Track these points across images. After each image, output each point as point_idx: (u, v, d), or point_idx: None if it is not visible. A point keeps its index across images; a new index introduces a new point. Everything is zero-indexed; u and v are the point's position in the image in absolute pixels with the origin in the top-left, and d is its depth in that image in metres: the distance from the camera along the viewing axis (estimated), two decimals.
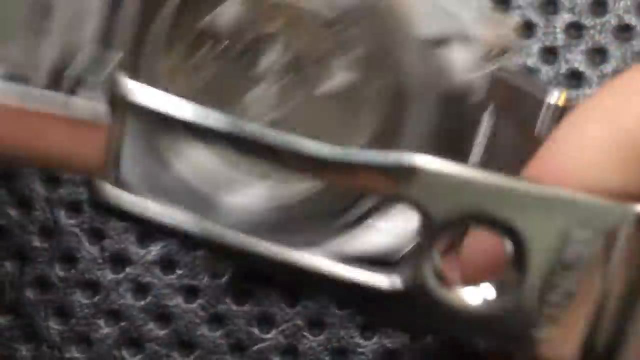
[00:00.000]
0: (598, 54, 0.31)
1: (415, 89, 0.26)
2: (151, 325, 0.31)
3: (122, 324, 0.31)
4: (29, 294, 0.31)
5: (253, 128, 0.20)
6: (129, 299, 0.31)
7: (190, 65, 0.28)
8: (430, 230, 0.20)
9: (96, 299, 0.31)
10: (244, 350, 0.31)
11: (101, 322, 0.31)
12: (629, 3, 0.31)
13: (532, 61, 0.31)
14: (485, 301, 0.20)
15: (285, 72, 0.27)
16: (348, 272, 0.20)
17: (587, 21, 0.31)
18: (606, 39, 0.31)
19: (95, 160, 0.21)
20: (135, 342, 0.31)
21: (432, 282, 0.20)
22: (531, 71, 0.31)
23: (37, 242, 0.31)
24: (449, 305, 0.20)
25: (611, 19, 0.31)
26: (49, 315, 0.31)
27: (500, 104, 0.26)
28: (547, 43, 0.31)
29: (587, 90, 0.31)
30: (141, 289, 0.31)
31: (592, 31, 0.31)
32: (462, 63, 0.26)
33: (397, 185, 0.20)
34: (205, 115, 0.20)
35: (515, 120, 0.26)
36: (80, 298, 0.31)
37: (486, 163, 0.26)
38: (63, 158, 0.21)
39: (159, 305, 0.31)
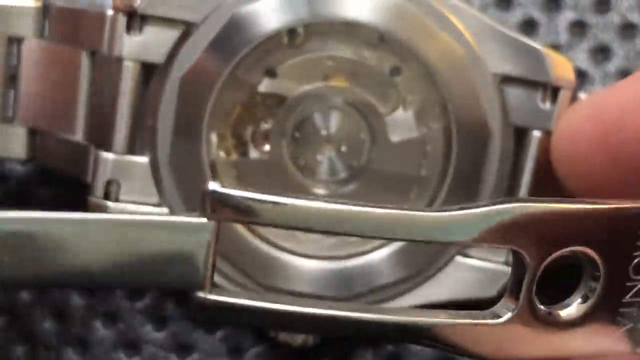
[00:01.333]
0: (601, 53, 0.31)
1: (495, 124, 0.27)
2: (149, 327, 0.31)
3: (119, 325, 0.31)
4: (25, 295, 0.31)
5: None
6: (126, 301, 0.31)
7: (250, 136, 0.28)
8: (529, 269, 0.22)
9: (93, 300, 0.31)
10: (241, 353, 0.31)
11: (98, 324, 0.31)
12: (632, 1, 0.31)
13: None
14: (575, 311, 0.23)
15: (353, 127, 0.28)
16: (458, 316, 0.23)
17: (590, 19, 0.31)
18: (609, 37, 0.31)
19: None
20: (133, 345, 0.31)
21: (534, 311, 0.23)
22: None
23: None
24: (549, 325, 0.23)
25: (614, 17, 0.31)
26: (46, 316, 0.31)
27: None
28: (550, 41, 0.31)
29: (591, 89, 0.30)
30: (139, 291, 0.31)
31: (595, 29, 0.31)
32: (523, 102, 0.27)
33: (502, 238, 0.22)
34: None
35: None
36: (76, 299, 0.31)
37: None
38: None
39: (156, 307, 0.31)
